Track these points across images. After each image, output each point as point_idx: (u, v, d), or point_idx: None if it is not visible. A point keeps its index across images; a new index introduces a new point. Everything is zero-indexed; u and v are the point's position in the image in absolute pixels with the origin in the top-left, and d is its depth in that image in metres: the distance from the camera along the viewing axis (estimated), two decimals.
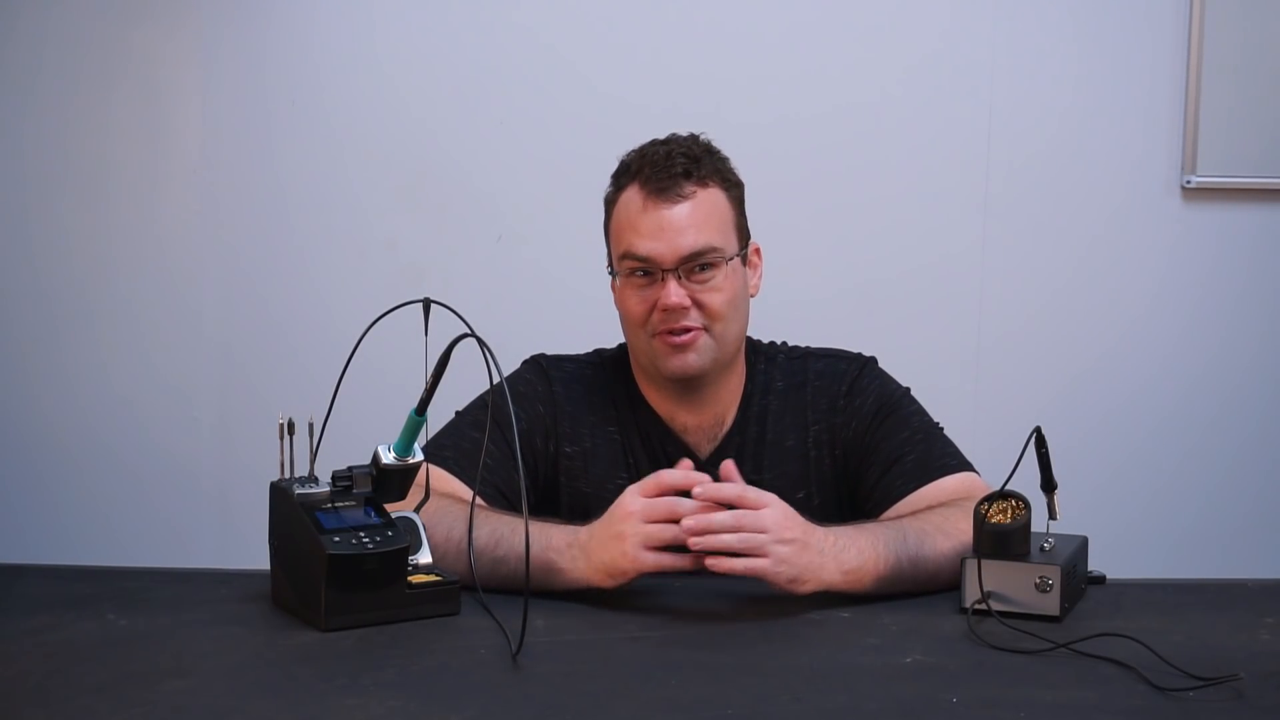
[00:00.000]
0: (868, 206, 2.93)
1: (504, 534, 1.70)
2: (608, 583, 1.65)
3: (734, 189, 1.93)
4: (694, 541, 1.60)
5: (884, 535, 1.70)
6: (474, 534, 1.71)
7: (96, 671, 1.44)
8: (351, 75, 2.94)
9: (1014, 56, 2.91)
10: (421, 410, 1.62)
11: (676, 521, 1.62)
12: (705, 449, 1.95)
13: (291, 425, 1.62)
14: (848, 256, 2.93)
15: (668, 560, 1.63)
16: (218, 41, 2.94)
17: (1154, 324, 2.97)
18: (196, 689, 1.40)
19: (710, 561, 1.60)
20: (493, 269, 2.94)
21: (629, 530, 1.63)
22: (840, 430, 1.94)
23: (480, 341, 1.54)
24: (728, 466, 1.73)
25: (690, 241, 1.84)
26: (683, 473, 1.68)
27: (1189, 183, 2.92)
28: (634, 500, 1.65)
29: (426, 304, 1.61)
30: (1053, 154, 2.94)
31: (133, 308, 2.98)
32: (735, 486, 1.67)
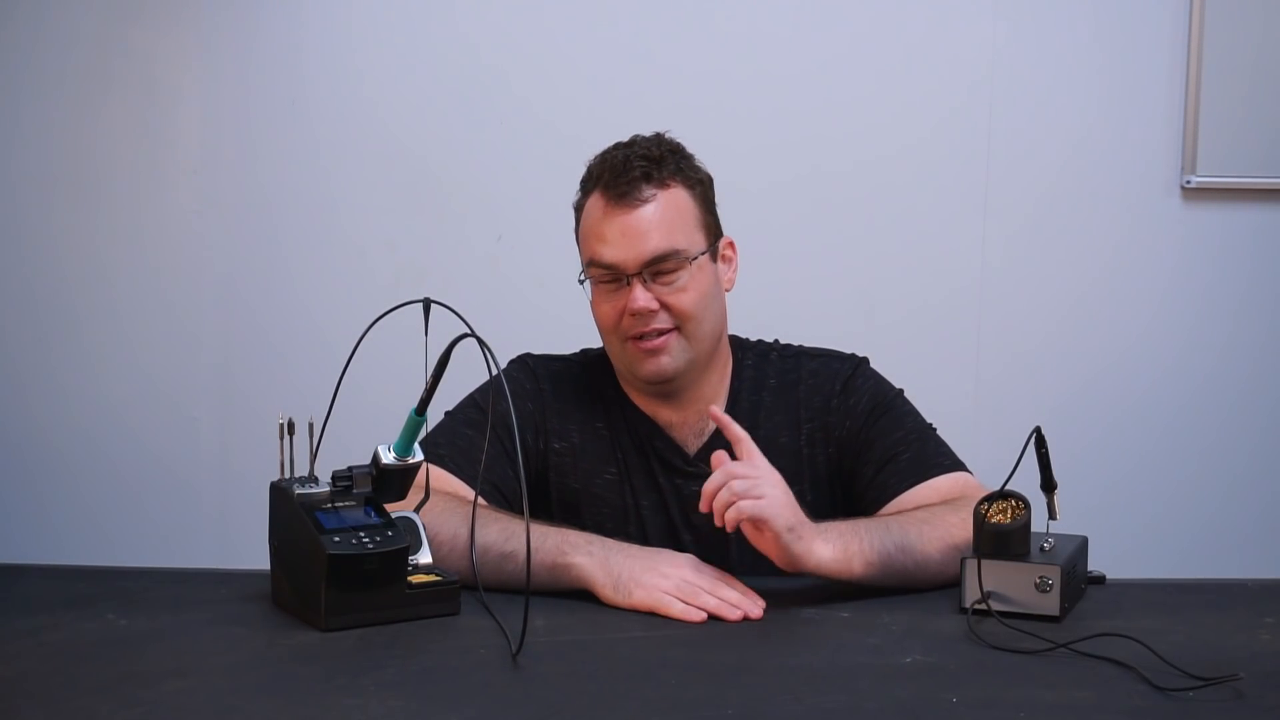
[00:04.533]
0: (868, 207, 2.93)
1: (515, 530, 1.71)
2: (606, 589, 1.66)
3: (698, 186, 1.91)
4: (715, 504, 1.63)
5: (865, 524, 1.73)
6: (483, 531, 1.71)
7: (96, 671, 1.44)
8: (351, 75, 2.94)
9: (1014, 56, 2.91)
10: (421, 410, 1.62)
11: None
12: (693, 445, 1.95)
13: (291, 425, 1.62)
14: (848, 257, 2.93)
15: (676, 611, 1.63)
16: (216, 42, 2.94)
17: (1154, 324, 2.97)
18: (196, 689, 1.40)
19: (727, 517, 1.63)
20: (493, 269, 2.94)
21: (677, 576, 1.65)
22: (834, 429, 1.94)
23: (480, 341, 1.54)
24: (719, 457, 1.71)
25: (652, 245, 1.84)
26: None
27: (1189, 183, 2.92)
28: (699, 564, 1.68)
29: (426, 304, 1.61)
30: (1053, 154, 2.94)
31: (132, 307, 2.98)
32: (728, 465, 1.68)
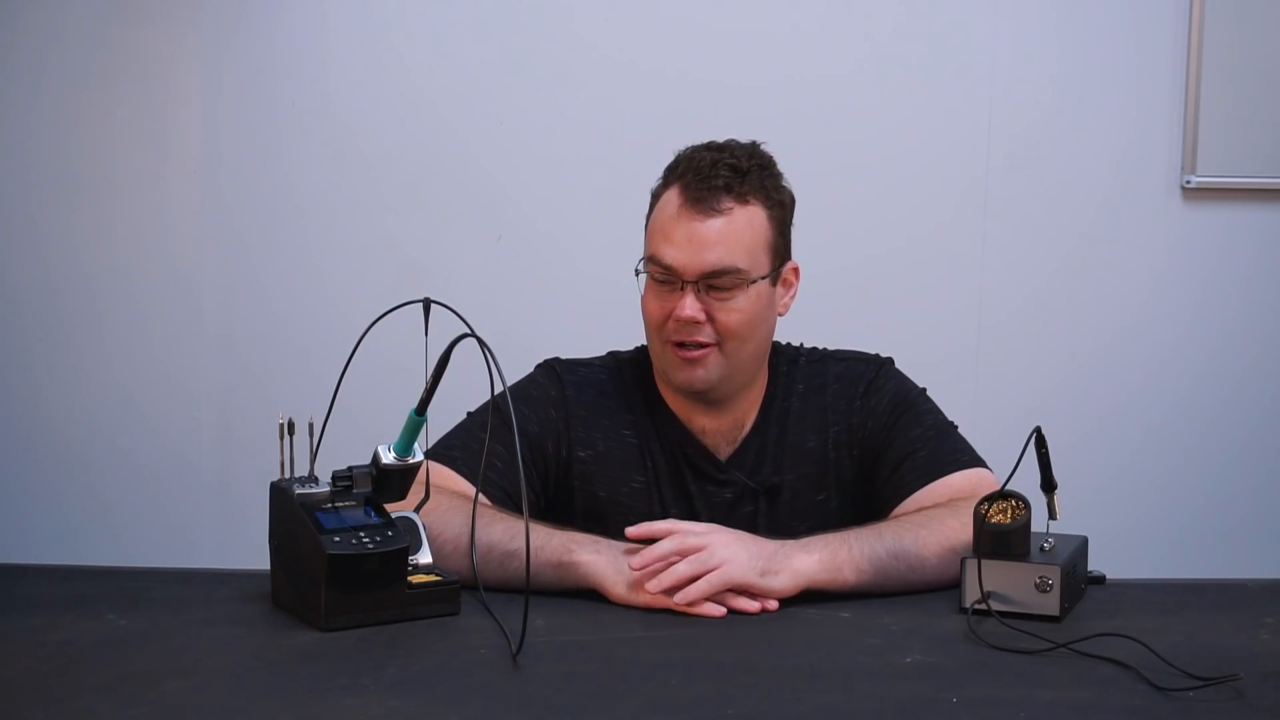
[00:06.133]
0: (867, 205, 2.93)
1: (519, 529, 1.69)
2: (618, 587, 1.66)
3: (777, 208, 1.89)
4: (651, 585, 1.62)
5: (856, 532, 1.72)
6: (487, 530, 1.71)
7: (96, 671, 1.44)
8: (352, 76, 2.94)
9: (1014, 55, 2.91)
10: (421, 410, 1.62)
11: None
12: (724, 451, 1.94)
13: (291, 425, 1.62)
14: (848, 255, 2.93)
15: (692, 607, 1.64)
16: (219, 43, 2.94)
17: (1153, 324, 2.97)
18: (196, 689, 1.40)
19: (678, 598, 1.62)
20: (493, 269, 2.94)
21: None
22: (857, 430, 1.93)
23: (480, 341, 1.54)
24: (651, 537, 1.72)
25: (714, 259, 1.82)
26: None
27: (1189, 183, 2.92)
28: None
29: (426, 304, 1.61)
30: (1052, 153, 2.94)
31: (135, 307, 2.98)
32: (667, 521, 1.70)
